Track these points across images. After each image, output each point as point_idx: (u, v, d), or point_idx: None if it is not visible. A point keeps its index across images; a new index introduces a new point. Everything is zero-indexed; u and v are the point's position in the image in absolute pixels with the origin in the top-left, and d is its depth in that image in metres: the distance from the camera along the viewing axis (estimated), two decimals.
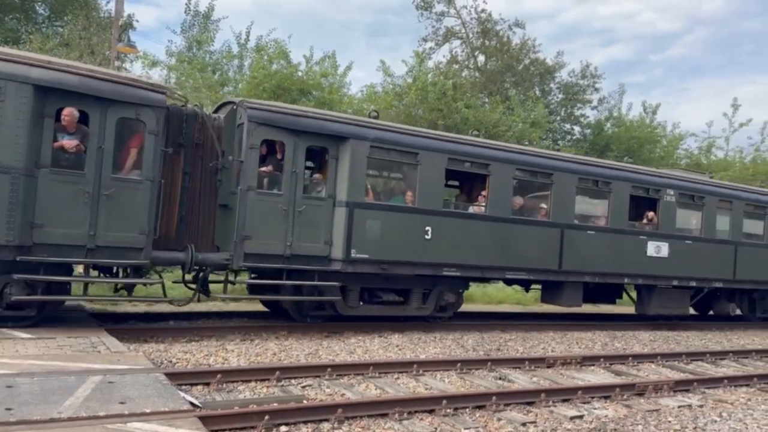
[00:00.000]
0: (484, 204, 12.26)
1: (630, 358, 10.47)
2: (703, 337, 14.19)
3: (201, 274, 10.52)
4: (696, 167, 29.51)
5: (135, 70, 21.04)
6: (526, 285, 14.60)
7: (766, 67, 72.48)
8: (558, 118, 30.97)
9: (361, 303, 11.40)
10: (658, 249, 14.10)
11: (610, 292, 15.00)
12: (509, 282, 14.47)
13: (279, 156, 10.43)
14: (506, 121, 23.91)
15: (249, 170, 9.90)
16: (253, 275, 10.61)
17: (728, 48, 72.61)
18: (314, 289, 10.82)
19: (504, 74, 30.22)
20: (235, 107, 10.50)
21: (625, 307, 17.15)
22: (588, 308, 16.28)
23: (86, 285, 10.09)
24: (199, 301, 10.98)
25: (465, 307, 15.61)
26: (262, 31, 36.53)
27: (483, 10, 30.87)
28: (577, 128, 31.48)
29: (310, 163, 11.37)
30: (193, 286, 10.64)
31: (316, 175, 10.99)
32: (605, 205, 13.80)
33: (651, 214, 14.54)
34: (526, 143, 22.38)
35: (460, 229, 11.67)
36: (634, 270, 13.93)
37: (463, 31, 31.53)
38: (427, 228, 11.25)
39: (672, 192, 14.56)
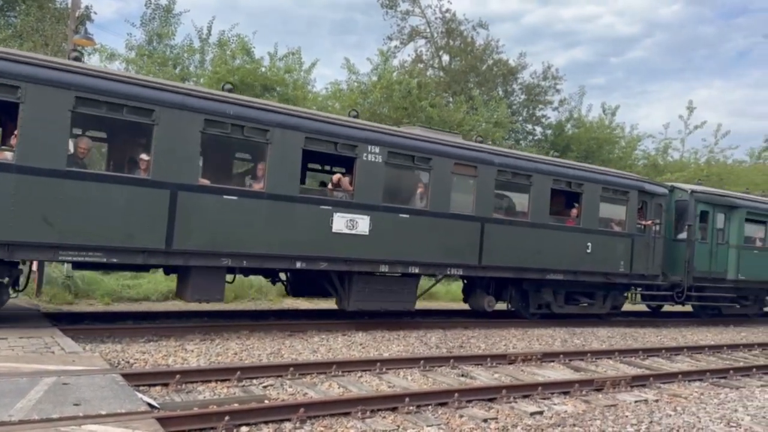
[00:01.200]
0: (12, 148, 8.33)
1: (588, 355, 10.66)
2: (658, 334, 14.58)
3: None
4: (653, 168, 30.37)
5: (93, 63, 20.51)
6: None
7: (720, 71, 75.01)
8: (520, 118, 31.42)
9: None
10: (352, 224, 10.72)
11: (315, 280, 11.56)
12: (81, 266, 10.16)
13: None
14: (470, 121, 24.14)
15: None
16: None
17: (685, 52, 74.94)
18: None
19: (468, 74, 30.47)
20: None
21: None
22: None
23: None
24: None
25: (428, 305, 15.73)
26: (225, 27, 36.01)
27: (447, 10, 31.19)
28: (538, 129, 32.04)
29: None
30: None
31: None
32: (262, 162, 10.22)
33: (338, 177, 11.27)
34: (489, 142, 22.59)
35: None
36: (313, 251, 10.46)
37: (428, 30, 31.71)
38: None
39: (377, 150, 11.02)
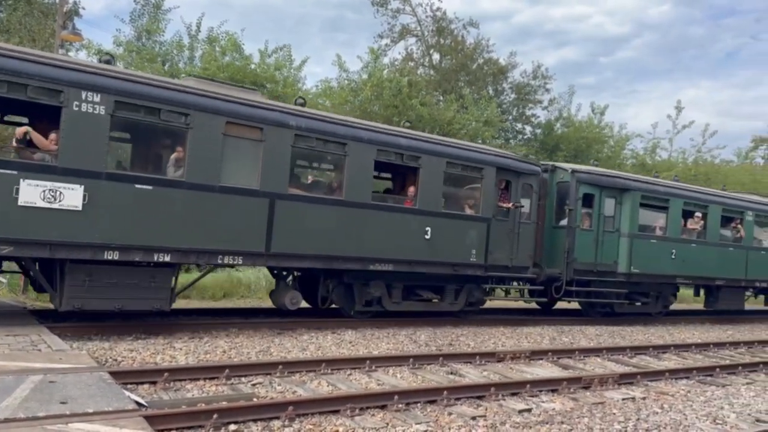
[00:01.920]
0: None
1: (576, 352, 10.72)
2: (646, 332, 14.68)
3: None
4: (641, 167, 30.60)
5: (80, 58, 20.35)
6: None
7: (708, 71, 75.67)
8: (510, 117, 31.54)
9: None
10: (54, 195, 8.24)
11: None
12: None
13: None
14: (460, 120, 24.18)
15: None
16: None
17: (674, 52, 75.49)
18: None
19: (458, 73, 30.52)
20: None
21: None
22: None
23: None
24: None
25: None
26: (215, 23, 35.88)
27: (438, 9, 31.22)
28: (528, 128, 32.18)
29: None
30: None
31: None
32: None
33: (25, 129, 8.78)
34: (480, 141, 22.66)
35: None
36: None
37: (419, 29, 31.71)
38: None
39: (97, 98, 8.58)
